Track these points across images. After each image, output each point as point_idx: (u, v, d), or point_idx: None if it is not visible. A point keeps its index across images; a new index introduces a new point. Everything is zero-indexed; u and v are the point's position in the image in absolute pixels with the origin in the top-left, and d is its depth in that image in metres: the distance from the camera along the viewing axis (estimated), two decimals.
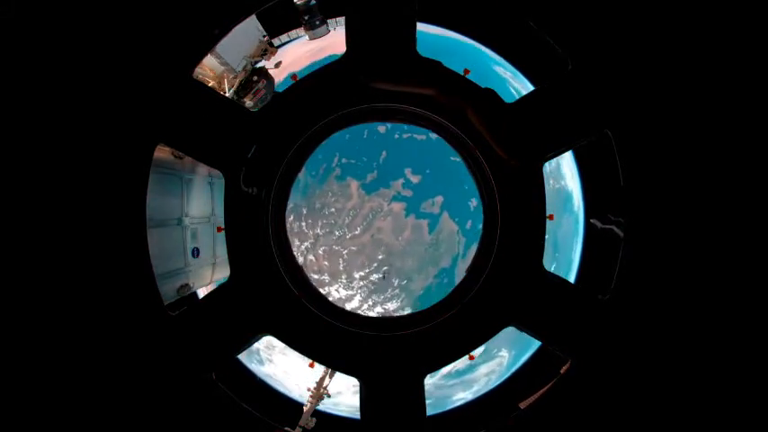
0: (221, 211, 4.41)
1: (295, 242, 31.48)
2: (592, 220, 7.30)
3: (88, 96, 3.67)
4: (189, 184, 6.60)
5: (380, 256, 32.49)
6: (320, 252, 32.28)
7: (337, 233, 32.19)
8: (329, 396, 6.89)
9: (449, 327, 4.53)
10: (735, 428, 3.58)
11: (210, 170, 7.11)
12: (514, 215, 4.43)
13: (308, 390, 6.83)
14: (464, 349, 4.52)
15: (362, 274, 32.49)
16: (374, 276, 32.52)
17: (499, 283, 4.47)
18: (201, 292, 7.40)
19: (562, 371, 4.22)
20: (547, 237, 4.41)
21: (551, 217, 4.48)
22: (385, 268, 32.37)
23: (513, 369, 7.39)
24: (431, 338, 4.52)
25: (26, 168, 3.54)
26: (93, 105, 3.69)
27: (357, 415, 4.50)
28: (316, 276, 31.92)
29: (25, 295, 3.57)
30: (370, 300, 32.73)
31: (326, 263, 32.18)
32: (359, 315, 4.88)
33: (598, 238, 7.57)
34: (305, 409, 6.56)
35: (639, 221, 3.87)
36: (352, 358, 4.53)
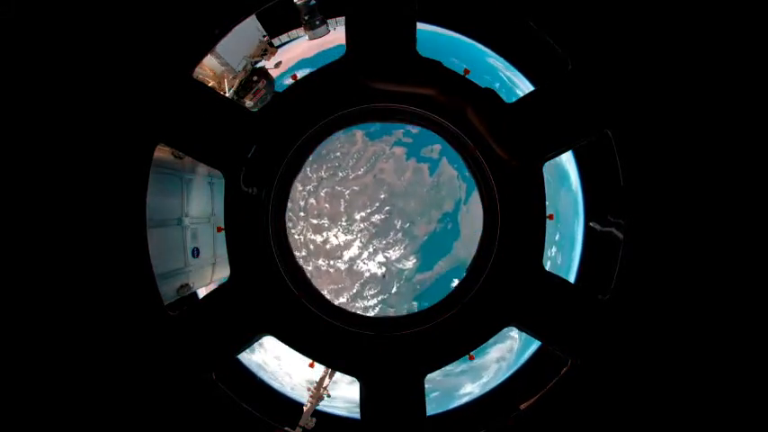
0: (221, 211, 4.40)
1: (298, 187, 31.26)
2: (591, 224, 7.30)
3: (89, 96, 3.67)
4: (189, 184, 6.60)
5: (383, 196, 32.12)
6: (322, 194, 31.85)
7: (341, 174, 32.05)
8: (329, 396, 6.90)
9: (449, 327, 4.53)
10: (735, 428, 3.58)
11: (210, 170, 7.11)
12: (514, 215, 4.43)
13: (308, 390, 6.84)
14: (464, 349, 4.51)
15: (363, 215, 31.91)
16: (375, 217, 31.81)
17: (499, 283, 4.47)
18: (201, 292, 7.40)
19: (562, 371, 4.22)
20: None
21: (551, 217, 4.48)
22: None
23: (513, 369, 7.39)
24: (431, 338, 4.52)
25: (27, 168, 3.54)
26: (93, 105, 3.69)
27: (357, 414, 4.51)
28: (315, 221, 31.58)
29: (26, 295, 3.57)
30: (370, 246, 31.67)
31: (327, 205, 31.70)
32: (359, 315, 4.88)
33: (598, 237, 7.57)
34: (305, 409, 6.57)
35: (639, 221, 3.87)
36: (352, 358, 4.53)
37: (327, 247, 31.61)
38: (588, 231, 7.95)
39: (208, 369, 4.20)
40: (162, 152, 6.02)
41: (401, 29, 4.14)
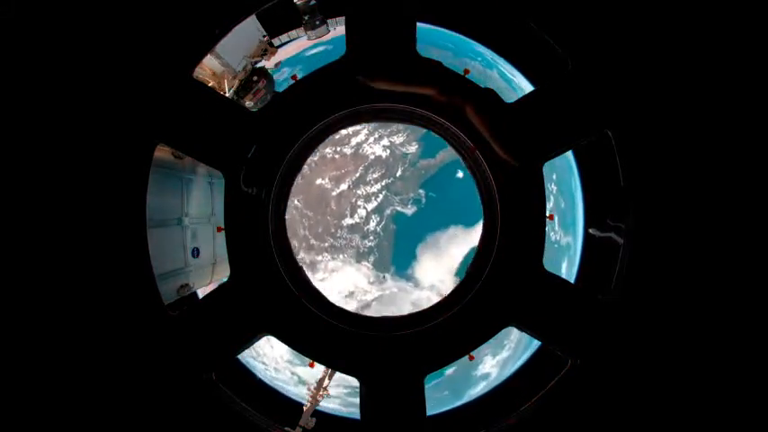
0: (221, 211, 4.40)
1: None
2: (590, 230, 7.30)
3: (88, 97, 3.67)
4: (189, 184, 6.60)
5: None
6: None
7: None
8: (329, 396, 6.90)
9: (449, 327, 4.53)
10: (735, 428, 3.58)
11: (210, 170, 7.11)
12: (514, 215, 4.43)
13: (308, 390, 6.85)
14: (464, 349, 4.51)
15: None
16: None
17: (499, 284, 4.47)
18: (201, 292, 7.40)
19: (562, 371, 4.22)
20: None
21: (551, 217, 4.48)
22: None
23: (513, 369, 7.39)
24: (431, 338, 4.52)
25: (26, 169, 3.54)
26: (93, 105, 3.69)
27: (357, 415, 4.51)
28: None
29: (25, 296, 3.57)
30: (376, 133, 38.22)
31: None
32: (359, 315, 4.88)
33: (599, 237, 7.57)
34: (305, 409, 6.58)
35: (640, 221, 3.87)
36: (352, 358, 4.53)
37: (336, 136, 37.37)
38: (588, 232, 7.94)
39: (208, 369, 4.21)
40: (162, 152, 6.02)
41: (401, 29, 4.15)
